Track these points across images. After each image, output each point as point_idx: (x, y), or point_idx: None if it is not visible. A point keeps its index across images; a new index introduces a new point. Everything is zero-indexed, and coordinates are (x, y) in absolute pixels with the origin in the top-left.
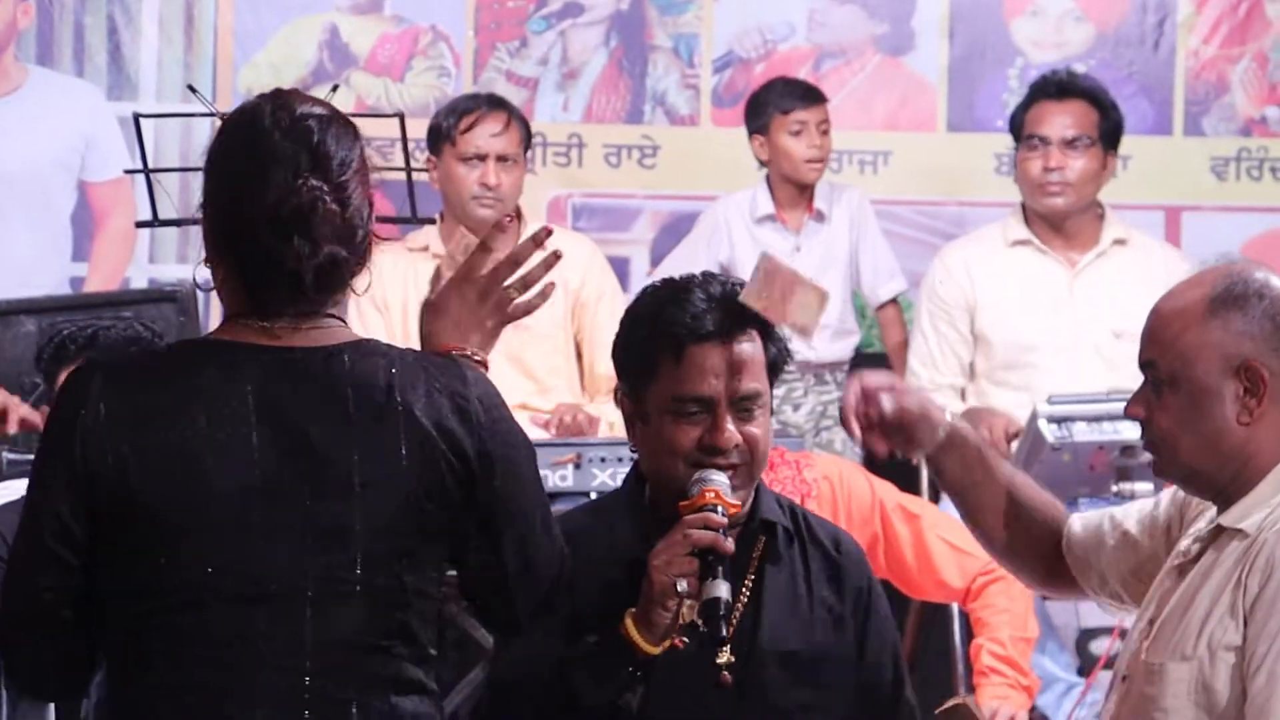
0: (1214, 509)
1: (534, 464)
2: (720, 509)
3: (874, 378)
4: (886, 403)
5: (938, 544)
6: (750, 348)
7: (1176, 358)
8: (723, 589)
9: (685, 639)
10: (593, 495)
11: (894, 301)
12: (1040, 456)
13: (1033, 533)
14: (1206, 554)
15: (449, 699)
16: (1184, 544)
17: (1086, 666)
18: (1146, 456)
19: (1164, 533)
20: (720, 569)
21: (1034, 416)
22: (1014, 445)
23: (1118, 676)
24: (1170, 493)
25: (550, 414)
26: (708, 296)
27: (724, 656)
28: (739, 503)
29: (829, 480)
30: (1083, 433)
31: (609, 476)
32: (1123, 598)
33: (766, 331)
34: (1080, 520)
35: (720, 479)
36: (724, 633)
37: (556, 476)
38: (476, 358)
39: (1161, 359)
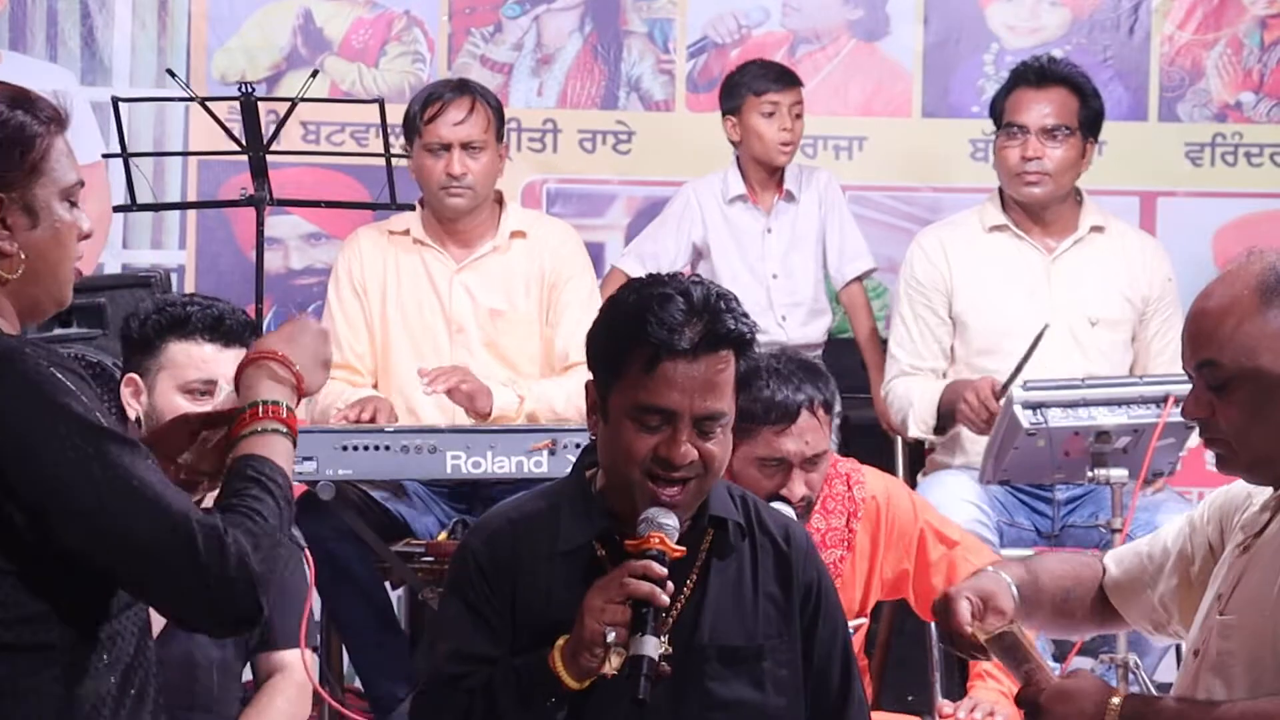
0: (1264, 494)
1: (68, 447)
2: (664, 555)
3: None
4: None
5: (966, 566)
6: (721, 366)
7: (1239, 351)
8: (650, 646)
9: (615, 670)
10: None
11: (859, 281)
12: (1015, 442)
13: (1082, 607)
14: (1274, 523)
15: None
16: (1245, 523)
17: (1062, 651)
18: (1123, 442)
19: (1211, 553)
20: (653, 624)
21: (1009, 402)
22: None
23: (1188, 653)
24: (1201, 514)
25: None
26: (689, 308)
27: (663, 648)
28: (683, 549)
29: (876, 501)
30: (1058, 418)
31: None
32: (1163, 624)
33: (740, 349)
34: (1116, 563)
35: (669, 521)
36: (643, 693)
37: (531, 463)
38: (294, 367)
39: (1221, 356)
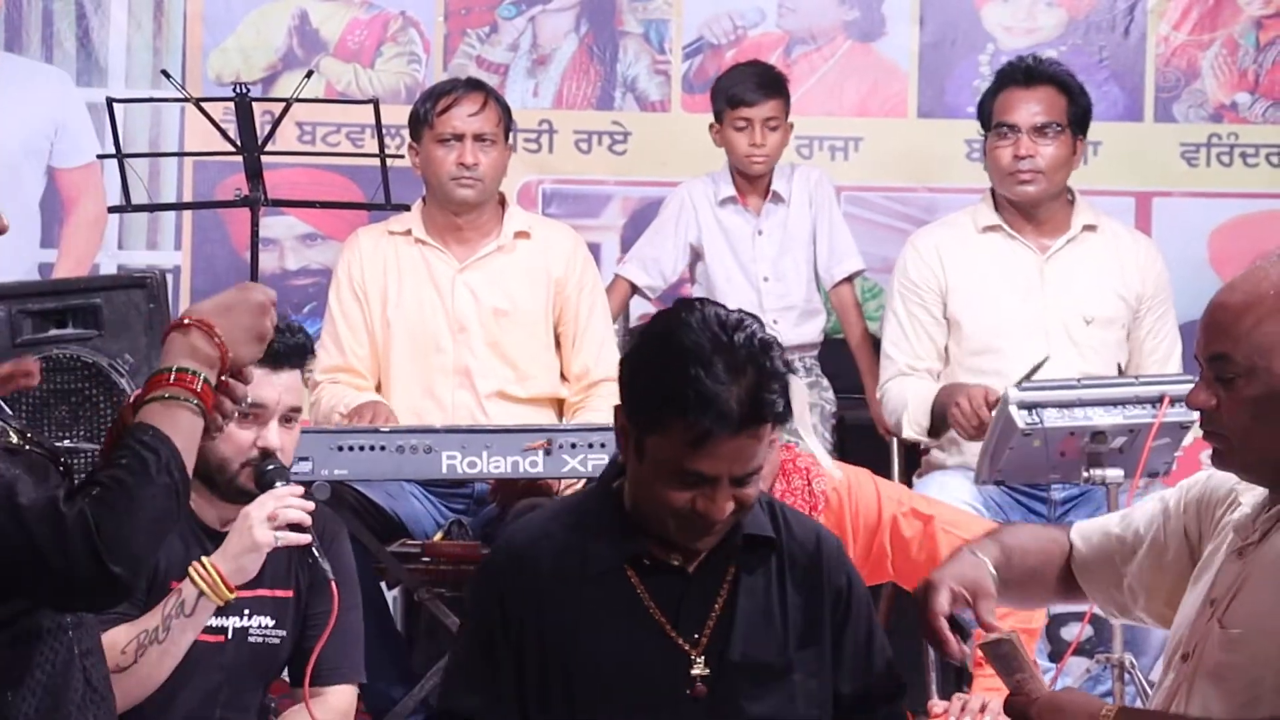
0: (1252, 493)
1: None
2: None
3: (943, 600)
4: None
5: (947, 539)
6: (764, 433)
7: (1254, 350)
8: None
9: None
10: (563, 482)
11: (849, 281)
12: (1011, 442)
13: (1046, 583)
14: (1274, 534)
15: (420, 685)
16: (1235, 522)
17: (1058, 651)
18: (1119, 442)
19: (1186, 541)
20: None
21: (1005, 402)
22: (993, 413)
23: (1175, 655)
24: (1177, 501)
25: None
26: (732, 369)
27: (698, 668)
28: None
29: (838, 493)
30: (1053, 418)
31: (579, 462)
32: (1128, 608)
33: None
34: (1084, 541)
35: None
36: None
37: (527, 463)
38: (218, 338)
39: (1236, 351)
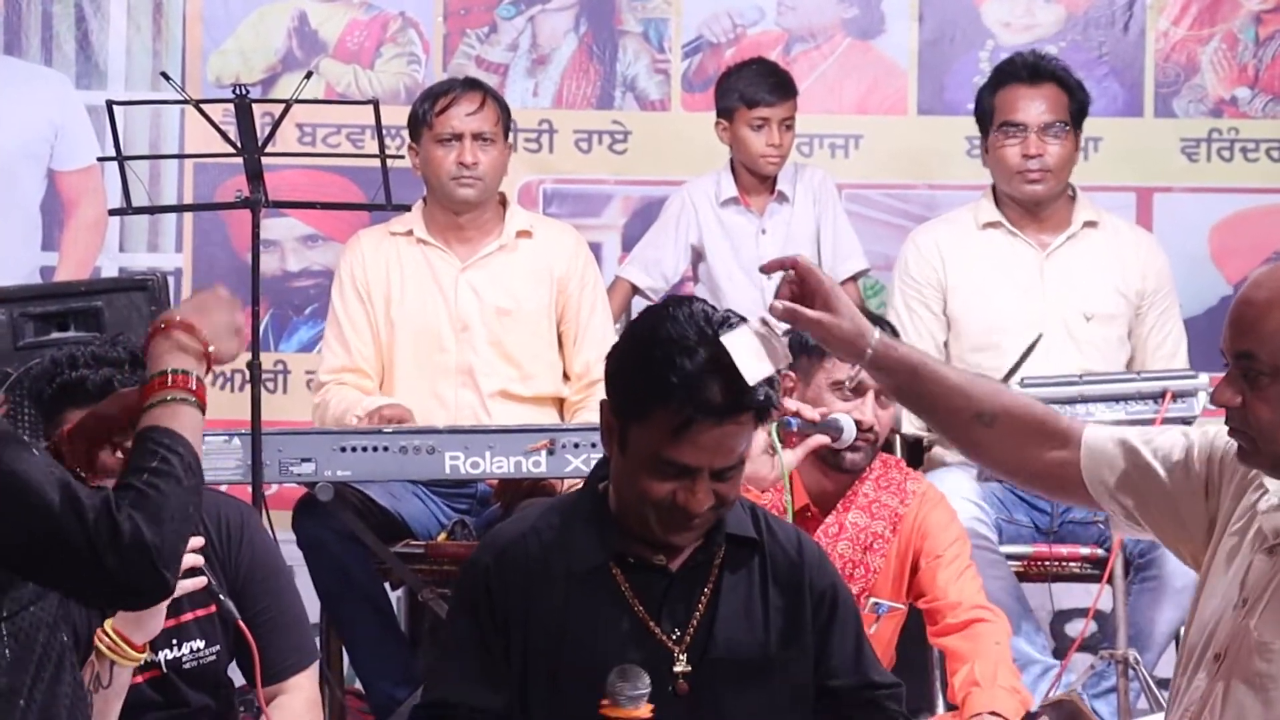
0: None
1: None
2: None
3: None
4: (816, 314)
5: (959, 564)
6: (744, 425)
7: (1278, 349)
8: None
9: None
10: (566, 481)
11: (853, 280)
12: None
13: (1016, 437)
14: None
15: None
16: (1265, 517)
17: (1061, 648)
18: None
19: (1203, 488)
20: None
21: None
22: None
23: (1207, 654)
24: (1199, 448)
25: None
26: (715, 363)
27: (680, 664)
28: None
29: (926, 498)
30: None
31: (583, 462)
32: (1133, 516)
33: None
34: (1094, 437)
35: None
36: None
37: (530, 463)
38: (202, 335)
39: (1262, 350)
